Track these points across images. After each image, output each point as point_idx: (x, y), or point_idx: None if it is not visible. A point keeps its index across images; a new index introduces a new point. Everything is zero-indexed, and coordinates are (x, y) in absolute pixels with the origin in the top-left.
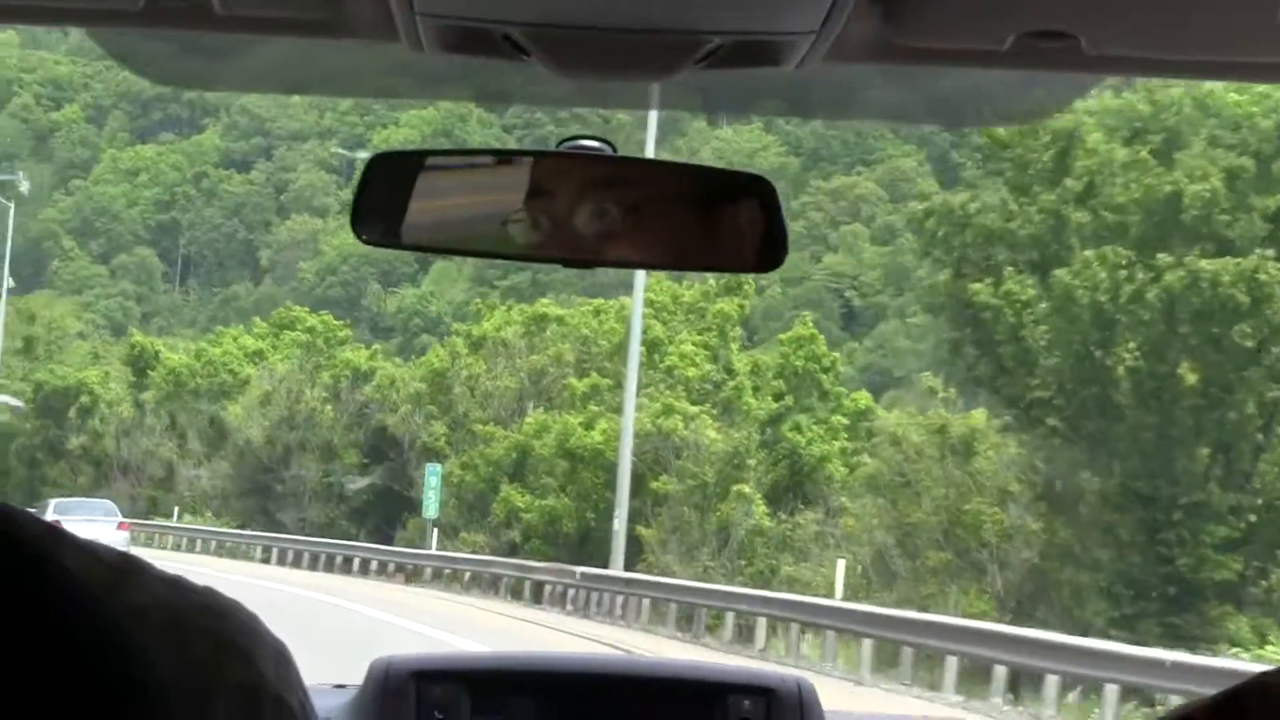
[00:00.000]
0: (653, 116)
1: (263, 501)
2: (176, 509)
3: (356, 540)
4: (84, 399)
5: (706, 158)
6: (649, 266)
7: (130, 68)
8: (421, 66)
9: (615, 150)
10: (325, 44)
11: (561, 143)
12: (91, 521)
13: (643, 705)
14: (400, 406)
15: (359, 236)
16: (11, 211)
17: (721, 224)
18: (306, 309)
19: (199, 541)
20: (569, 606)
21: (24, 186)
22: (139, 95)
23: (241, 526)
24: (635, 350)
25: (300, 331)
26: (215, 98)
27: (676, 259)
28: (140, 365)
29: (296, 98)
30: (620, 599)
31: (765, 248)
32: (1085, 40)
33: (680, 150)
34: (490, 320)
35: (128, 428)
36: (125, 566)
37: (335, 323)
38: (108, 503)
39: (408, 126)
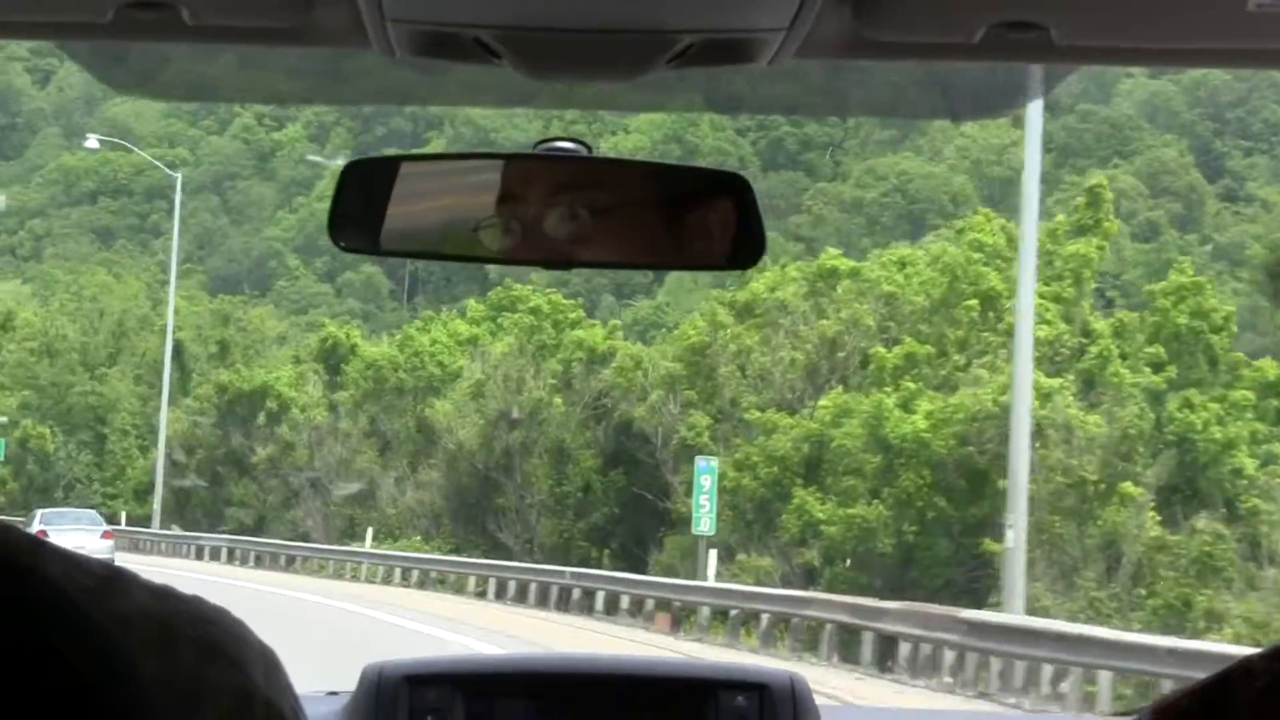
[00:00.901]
0: (1036, 115)
1: (480, 518)
2: (370, 531)
3: (599, 566)
4: (270, 404)
5: (948, 155)
6: (622, 266)
7: (104, 80)
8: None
9: (591, 151)
10: (296, 52)
11: (538, 144)
12: (77, 530)
13: (636, 703)
14: (650, 393)
15: (337, 244)
16: (179, 181)
17: (696, 222)
18: (530, 286)
19: (398, 571)
20: (945, 678)
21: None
22: (360, 111)
23: (455, 551)
24: (1028, 285)
25: (523, 313)
26: (438, 110)
27: (650, 258)
28: (334, 361)
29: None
30: (1045, 671)
31: (741, 245)
32: (1055, 31)
33: (922, 149)
34: (761, 279)
35: (321, 436)
36: (111, 575)
37: (565, 301)
38: (92, 512)
39: (638, 133)
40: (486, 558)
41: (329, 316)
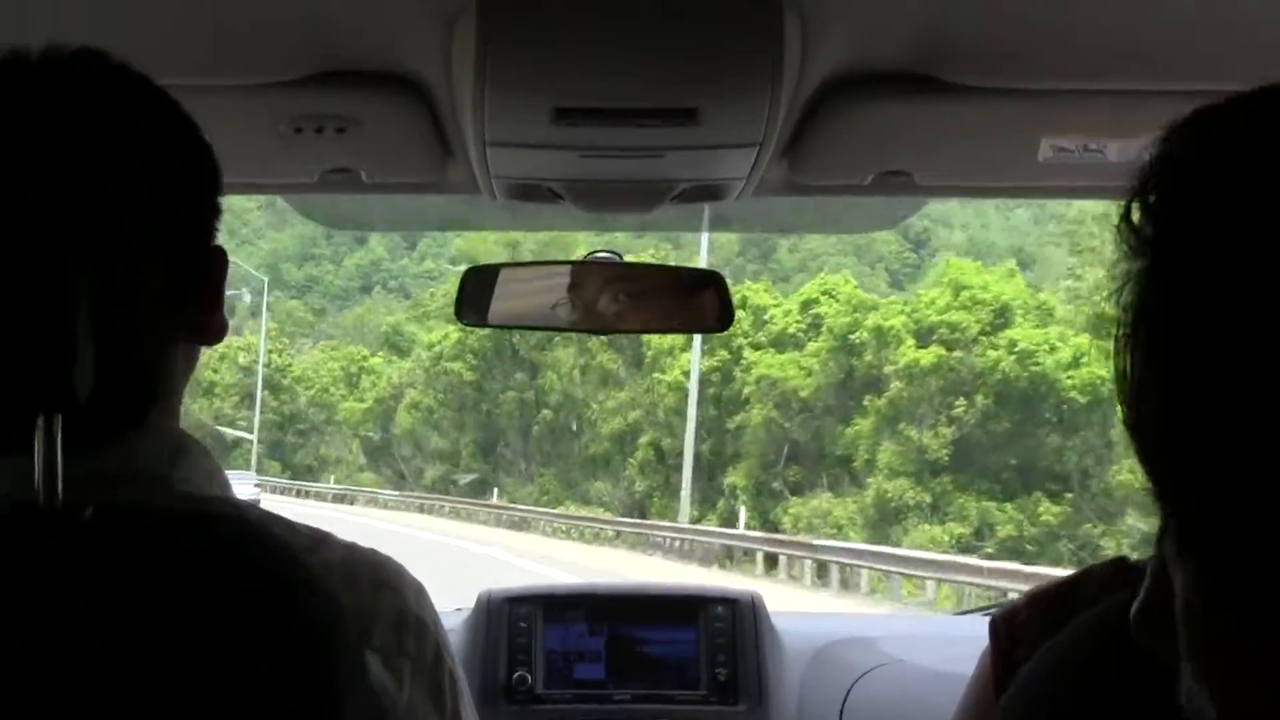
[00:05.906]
0: None
1: None
2: None
3: None
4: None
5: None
6: (648, 331)
7: (311, 219)
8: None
9: (621, 258)
10: (434, 197)
11: (588, 255)
12: (240, 483)
13: (652, 611)
14: None
15: (461, 321)
16: None
17: (691, 300)
18: None
19: None
20: None
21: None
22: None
23: None
24: None
25: None
26: None
27: (666, 325)
28: None
29: None
30: None
31: (720, 314)
32: (916, 176)
33: None
34: None
35: None
36: (316, 535)
37: None
38: (251, 472)
39: None
40: None
41: None
